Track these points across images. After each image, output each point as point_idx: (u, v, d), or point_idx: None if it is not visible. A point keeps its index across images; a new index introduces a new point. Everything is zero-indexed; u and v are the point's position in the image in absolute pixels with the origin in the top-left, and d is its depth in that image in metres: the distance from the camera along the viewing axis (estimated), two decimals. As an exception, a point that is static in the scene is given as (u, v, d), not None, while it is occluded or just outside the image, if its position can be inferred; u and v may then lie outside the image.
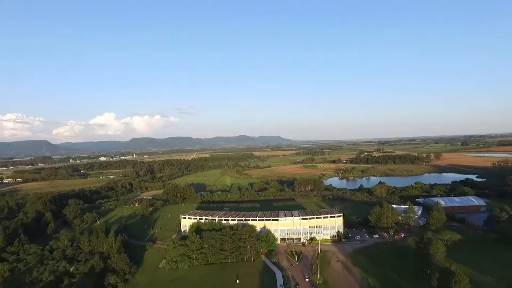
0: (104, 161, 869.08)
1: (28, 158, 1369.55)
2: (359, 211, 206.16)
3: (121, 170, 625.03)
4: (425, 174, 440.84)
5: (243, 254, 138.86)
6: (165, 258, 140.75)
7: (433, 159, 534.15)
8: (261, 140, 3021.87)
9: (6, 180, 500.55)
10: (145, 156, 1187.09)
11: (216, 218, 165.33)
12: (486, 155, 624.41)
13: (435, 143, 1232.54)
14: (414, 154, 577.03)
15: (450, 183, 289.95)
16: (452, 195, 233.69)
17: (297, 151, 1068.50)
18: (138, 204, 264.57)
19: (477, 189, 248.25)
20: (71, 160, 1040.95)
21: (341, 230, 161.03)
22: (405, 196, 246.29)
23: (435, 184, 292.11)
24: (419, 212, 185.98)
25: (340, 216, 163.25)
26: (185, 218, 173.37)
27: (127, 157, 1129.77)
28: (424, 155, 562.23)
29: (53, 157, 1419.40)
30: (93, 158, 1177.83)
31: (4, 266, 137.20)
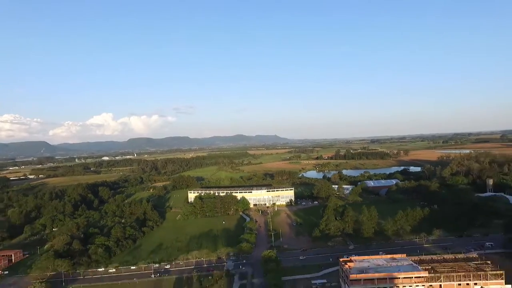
0: (111, 160, 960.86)
1: (31, 159, 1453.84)
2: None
3: (128, 168, 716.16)
4: (393, 167, 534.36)
5: (228, 211, 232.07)
6: (180, 214, 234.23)
7: (402, 155, 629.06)
8: (258, 139, 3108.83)
9: (30, 176, 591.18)
10: (146, 156, 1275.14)
11: (211, 191, 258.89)
12: (453, 151, 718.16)
13: (421, 141, 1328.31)
14: (386, 151, 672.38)
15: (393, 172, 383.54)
16: (383, 179, 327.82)
17: (290, 150, 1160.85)
18: (153, 190, 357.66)
19: (406, 175, 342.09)
20: (76, 160, 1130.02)
21: (293, 198, 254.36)
22: (353, 180, 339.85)
23: (382, 173, 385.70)
24: (350, 189, 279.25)
25: (291, 189, 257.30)
26: (191, 192, 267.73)
27: (128, 156, 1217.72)
28: (395, 151, 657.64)
29: (56, 157, 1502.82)
30: (96, 158, 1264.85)
31: (81, 218, 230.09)
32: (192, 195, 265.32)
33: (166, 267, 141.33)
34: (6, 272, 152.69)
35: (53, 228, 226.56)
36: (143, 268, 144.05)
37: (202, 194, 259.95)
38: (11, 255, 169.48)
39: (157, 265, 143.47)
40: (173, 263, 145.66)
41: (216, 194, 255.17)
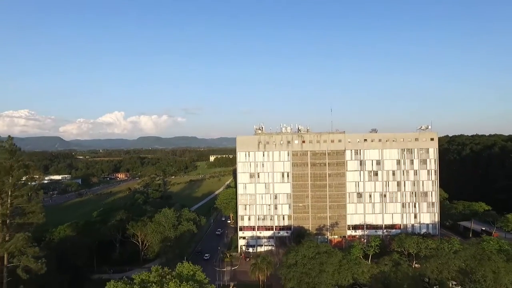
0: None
1: (50, 151, 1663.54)
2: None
3: (153, 155, 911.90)
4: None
5: (232, 165, 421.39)
6: (206, 166, 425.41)
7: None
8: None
9: (79, 157, 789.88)
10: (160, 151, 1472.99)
11: (224, 155, 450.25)
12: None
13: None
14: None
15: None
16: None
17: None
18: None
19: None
20: (100, 150, 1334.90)
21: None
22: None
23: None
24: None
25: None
26: (211, 156, 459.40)
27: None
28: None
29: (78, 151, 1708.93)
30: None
31: (150, 166, 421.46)
32: (212, 158, 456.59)
33: (207, 175, 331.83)
34: (126, 178, 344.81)
35: (133, 171, 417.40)
36: (196, 175, 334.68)
37: (218, 157, 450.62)
38: (125, 174, 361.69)
39: (204, 174, 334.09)
40: (209, 174, 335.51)
41: (226, 156, 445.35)
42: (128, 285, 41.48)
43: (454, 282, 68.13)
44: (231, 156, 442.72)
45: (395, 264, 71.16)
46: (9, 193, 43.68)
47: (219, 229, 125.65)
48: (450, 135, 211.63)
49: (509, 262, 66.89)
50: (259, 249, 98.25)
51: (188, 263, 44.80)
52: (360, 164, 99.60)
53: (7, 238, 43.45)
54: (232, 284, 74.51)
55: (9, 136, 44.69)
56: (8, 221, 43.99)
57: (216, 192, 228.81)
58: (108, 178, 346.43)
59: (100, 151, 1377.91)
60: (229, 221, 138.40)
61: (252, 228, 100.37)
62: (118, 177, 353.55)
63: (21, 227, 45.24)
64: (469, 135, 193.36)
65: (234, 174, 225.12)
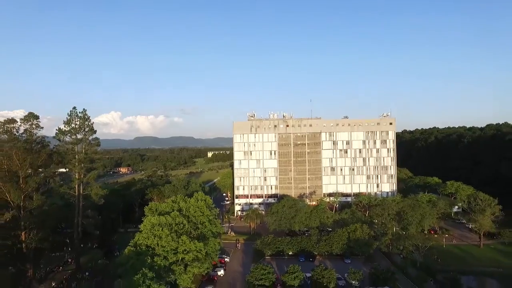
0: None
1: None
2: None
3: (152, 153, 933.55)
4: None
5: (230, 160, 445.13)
6: (204, 161, 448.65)
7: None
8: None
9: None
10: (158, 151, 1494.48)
11: (221, 151, 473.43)
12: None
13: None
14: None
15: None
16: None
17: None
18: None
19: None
20: (98, 149, 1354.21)
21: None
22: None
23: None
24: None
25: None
26: (209, 152, 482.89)
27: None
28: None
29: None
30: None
31: (151, 160, 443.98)
32: (209, 154, 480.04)
33: (206, 168, 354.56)
34: (128, 172, 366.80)
35: (134, 166, 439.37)
36: (196, 169, 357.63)
37: (216, 153, 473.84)
38: (127, 168, 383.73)
39: (202, 168, 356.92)
40: (207, 168, 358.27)
41: (223, 153, 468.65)
42: (164, 203, 65.13)
43: (396, 228, 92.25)
44: (228, 152, 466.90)
45: (352, 213, 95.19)
46: (84, 147, 67.13)
47: (226, 199, 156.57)
48: (426, 127, 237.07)
49: (433, 208, 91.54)
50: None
51: (202, 192, 68.37)
52: (333, 144, 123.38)
53: (82, 176, 66.83)
54: (230, 230, 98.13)
55: (80, 109, 68.12)
56: (82, 165, 67.35)
57: (215, 180, 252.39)
58: (111, 172, 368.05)
59: (98, 149, 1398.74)
60: (226, 198, 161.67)
61: (246, 196, 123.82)
62: (120, 171, 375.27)
63: (89, 170, 68.69)
64: (442, 127, 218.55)
65: (232, 168, 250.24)
